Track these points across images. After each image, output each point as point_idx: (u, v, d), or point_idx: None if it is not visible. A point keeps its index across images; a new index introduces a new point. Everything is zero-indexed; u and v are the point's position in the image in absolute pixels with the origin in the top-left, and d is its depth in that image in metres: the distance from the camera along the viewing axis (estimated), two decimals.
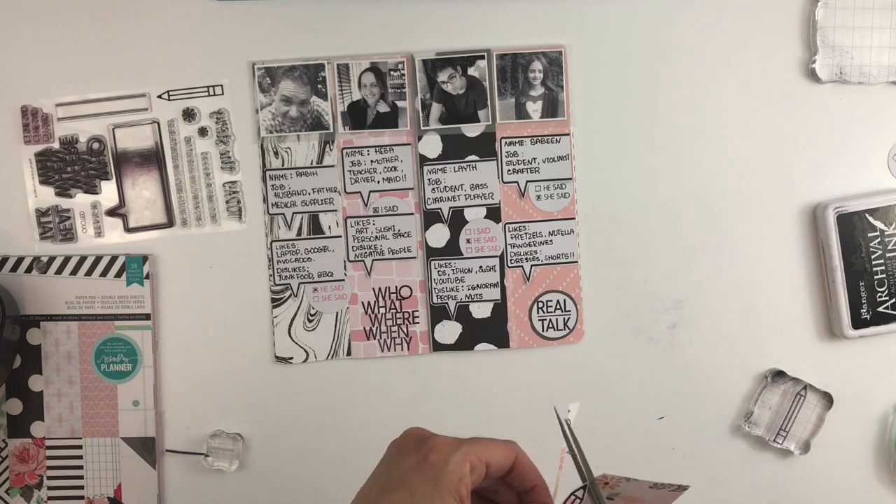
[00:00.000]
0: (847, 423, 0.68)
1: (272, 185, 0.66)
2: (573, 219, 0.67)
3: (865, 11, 0.66)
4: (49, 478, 0.67)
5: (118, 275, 0.66)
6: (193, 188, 0.66)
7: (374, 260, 0.67)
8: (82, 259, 0.66)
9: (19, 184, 0.66)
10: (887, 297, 0.66)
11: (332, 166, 0.66)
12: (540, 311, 0.67)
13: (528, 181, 0.67)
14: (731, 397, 0.68)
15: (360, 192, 0.67)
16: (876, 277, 0.66)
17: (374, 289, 0.67)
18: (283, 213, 0.66)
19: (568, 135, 0.67)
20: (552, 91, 0.66)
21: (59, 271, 0.66)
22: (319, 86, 0.66)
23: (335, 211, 0.67)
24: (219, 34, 0.66)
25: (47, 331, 0.66)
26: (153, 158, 0.66)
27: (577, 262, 0.67)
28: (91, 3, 0.66)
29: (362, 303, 0.67)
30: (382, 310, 0.67)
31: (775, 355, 0.68)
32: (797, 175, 0.67)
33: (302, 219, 0.67)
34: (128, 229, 0.66)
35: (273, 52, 0.66)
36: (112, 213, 0.66)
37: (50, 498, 0.67)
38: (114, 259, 0.66)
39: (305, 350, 0.67)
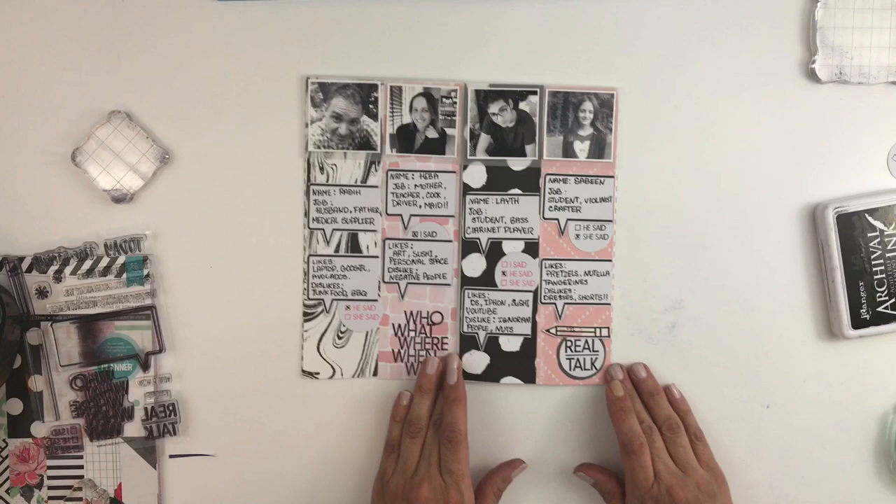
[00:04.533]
0: (847, 423, 0.68)
1: (314, 200, 0.66)
2: (610, 261, 0.67)
3: (865, 11, 0.66)
4: (49, 478, 0.67)
5: (118, 275, 0.66)
6: None
7: (408, 283, 0.67)
8: (82, 259, 0.66)
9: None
10: (887, 297, 0.66)
11: (376, 187, 0.67)
12: (568, 349, 0.67)
13: (568, 219, 0.67)
14: (730, 397, 0.68)
15: (401, 215, 0.67)
16: (875, 277, 0.66)
17: (405, 312, 0.67)
18: (322, 229, 0.66)
19: (612, 177, 0.67)
20: (601, 132, 0.66)
21: (60, 271, 0.66)
22: (371, 106, 0.66)
23: (375, 231, 0.67)
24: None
25: (47, 331, 0.66)
26: None
27: (609, 304, 0.67)
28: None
29: (393, 325, 0.67)
30: (412, 333, 0.67)
31: (775, 355, 0.68)
32: (797, 175, 0.67)
33: (341, 236, 0.67)
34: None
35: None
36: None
37: (50, 498, 0.67)
38: (114, 259, 0.66)
39: (333, 367, 0.67)
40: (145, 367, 0.66)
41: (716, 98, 0.67)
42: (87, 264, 0.66)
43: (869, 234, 0.66)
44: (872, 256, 0.66)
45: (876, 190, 0.67)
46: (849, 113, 0.67)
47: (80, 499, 0.67)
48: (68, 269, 0.66)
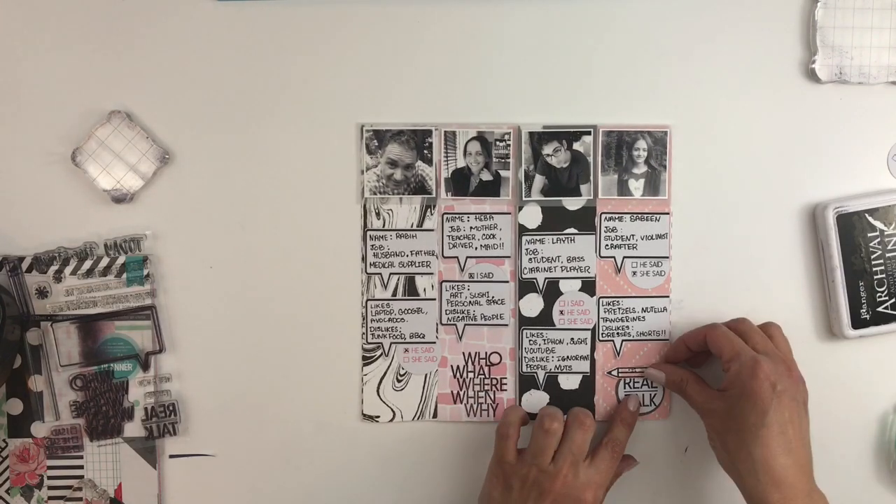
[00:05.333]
0: (847, 423, 0.68)
1: (371, 245, 0.67)
2: (667, 297, 0.67)
3: (865, 11, 0.66)
4: (49, 478, 0.67)
5: (118, 275, 0.66)
6: None
7: (466, 325, 0.67)
8: (82, 259, 0.66)
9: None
10: (887, 297, 0.66)
11: (432, 230, 0.67)
12: (627, 385, 0.67)
13: (625, 257, 0.67)
14: None
15: (457, 258, 0.67)
16: (876, 277, 0.66)
17: (464, 353, 0.67)
18: (380, 273, 0.67)
19: (668, 214, 0.67)
20: (655, 170, 0.66)
21: (60, 271, 0.66)
22: (425, 151, 0.66)
23: (431, 274, 0.67)
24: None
25: (47, 331, 0.66)
26: None
27: (668, 339, 0.67)
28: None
29: (451, 366, 0.67)
30: (471, 375, 0.67)
31: None
32: (797, 175, 0.67)
33: (398, 279, 0.67)
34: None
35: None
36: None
37: (50, 498, 0.67)
38: (114, 259, 0.66)
39: (393, 410, 0.67)
40: (145, 367, 0.66)
41: (716, 98, 0.67)
42: (87, 264, 0.66)
43: (869, 234, 0.66)
44: (872, 256, 0.66)
45: (876, 190, 0.67)
46: (849, 113, 0.67)
47: (80, 499, 0.67)
48: (68, 269, 0.66)
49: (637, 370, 0.67)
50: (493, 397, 0.67)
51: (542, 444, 0.61)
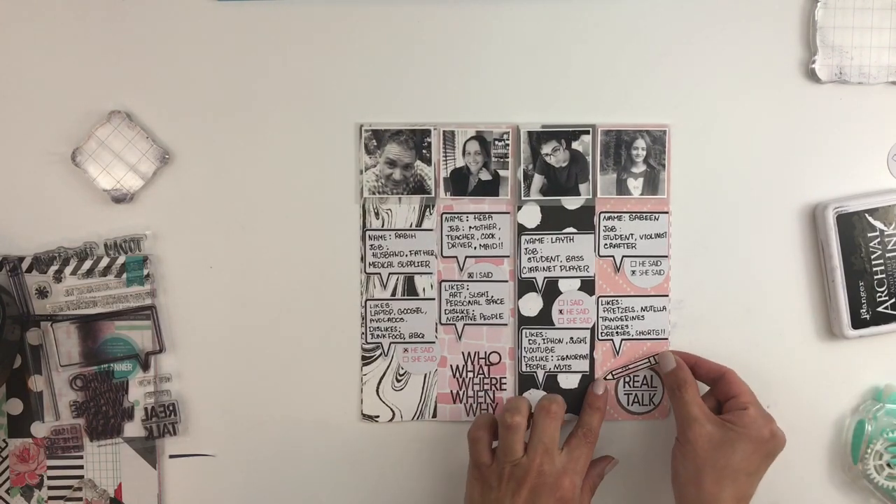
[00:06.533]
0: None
1: (371, 245, 0.67)
2: (666, 296, 0.67)
3: (865, 11, 0.66)
4: (49, 478, 0.67)
5: (118, 275, 0.66)
6: None
7: (465, 324, 0.67)
8: (82, 259, 0.66)
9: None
10: (887, 297, 0.66)
11: (431, 230, 0.67)
12: (626, 384, 0.68)
13: (624, 256, 0.67)
14: None
15: (456, 257, 0.67)
16: (876, 277, 0.66)
17: (463, 353, 0.67)
18: (379, 273, 0.67)
19: (667, 213, 0.67)
20: (654, 169, 0.66)
21: (60, 271, 0.66)
22: (424, 151, 0.66)
23: (430, 274, 0.67)
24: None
25: (47, 331, 0.66)
26: None
27: (667, 338, 0.67)
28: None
29: (451, 366, 0.67)
30: (470, 374, 0.67)
31: (775, 355, 0.68)
32: (797, 175, 0.67)
33: (397, 279, 0.67)
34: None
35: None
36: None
37: (50, 498, 0.67)
38: (114, 259, 0.66)
39: (392, 409, 0.67)
40: (145, 367, 0.66)
41: (715, 97, 0.67)
42: (87, 264, 0.66)
43: (869, 234, 0.66)
44: (872, 256, 0.66)
45: (876, 190, 0.67)
46: (849, 113, 0.67)
47: (80, 499, 0.67)
48: (68, 269, 0.66)
49: (638, 364, 0.67)
50: (492, 397, 0.67)
51: (509, 441, 0.61)
